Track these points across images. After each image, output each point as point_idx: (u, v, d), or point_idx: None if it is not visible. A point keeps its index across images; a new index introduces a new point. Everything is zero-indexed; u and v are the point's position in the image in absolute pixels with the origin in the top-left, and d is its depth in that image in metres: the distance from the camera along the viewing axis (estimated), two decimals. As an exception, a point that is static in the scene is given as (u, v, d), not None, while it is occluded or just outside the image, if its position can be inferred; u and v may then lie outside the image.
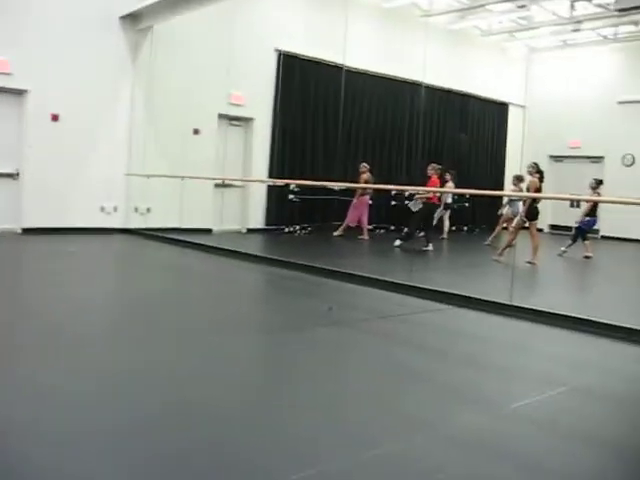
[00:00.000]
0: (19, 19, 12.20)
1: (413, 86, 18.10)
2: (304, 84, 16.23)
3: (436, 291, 8.20)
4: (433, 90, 18.73)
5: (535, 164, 12.36)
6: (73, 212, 13.02)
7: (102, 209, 13.50)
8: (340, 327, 6.48)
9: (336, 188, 14.82)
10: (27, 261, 10.37)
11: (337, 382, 4.81)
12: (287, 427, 3.81)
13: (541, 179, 12.16)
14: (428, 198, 13.85)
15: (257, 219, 15.84)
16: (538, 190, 12.06)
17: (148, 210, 13.82)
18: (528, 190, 12.43)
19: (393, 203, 16.56)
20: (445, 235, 16.88)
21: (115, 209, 13.65)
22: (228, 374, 4.88)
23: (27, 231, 12.54)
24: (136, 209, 13.80)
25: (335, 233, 15.56)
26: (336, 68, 16.09)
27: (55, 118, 12.83)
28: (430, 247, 13.68)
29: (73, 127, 12.92)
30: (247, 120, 15.66)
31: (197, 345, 5.52)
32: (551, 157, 21.06)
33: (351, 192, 15.56)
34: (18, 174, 12.65)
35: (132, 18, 13.54)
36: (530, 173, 12.28)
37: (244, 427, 3.79)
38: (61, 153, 12.81)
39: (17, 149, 12.59)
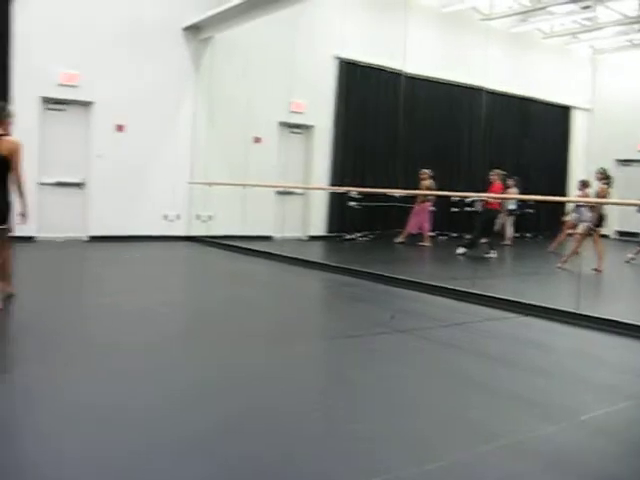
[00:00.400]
0: (87, 34, 12.52)
1: (473, 91, 17.93)
2: (364, 91, 16.22)
3: (500, 299, 8.06)
4: (494, 95, 18.49)
5: (604, 169, 12.03)
6: (137, 220, 13.28)
7: (165, 217, 13.72)
8: (403, 335, 6.43)
9: (397, 195, 14.75)
10: (93, 268, 10.59)
11: (401, 390, 4.76)
12: (352, 435, 3.78)
13: (609, 185, 11.83)
14: (489, 204, 13.66)
15: (318, 226, 15.87)
16: (606, 197, 11.75)
17: (210, 218, 13.99)
18: (597, 197, 12.05)
19: (454, 210, 16.39)
20: (508, 242, 16.63)
21: (178, 217, 13.87)
22: (293, 381, 4.89)
23: (93, 239, 12.84)
24: (198, 217, 13.98)
25: (396, 240, 15.48)
26: (395, 74, 16.05)
27: (120, 129, 13.11)
28: (493, 254, 13.50)
29: (137, 137, 13.20)
30: (307, 127, 15.72)
31: (261, 352, 5.55)
32: (618, 161, 20.55)
33: (412, 199, 15.46)
34: (85, 183, 12.97)
35: (194, 29, 13.76)
36: (598, 179, 11.96)
37: (311, 434, 3.79)
38: (126, 163, 13.10)
39: (84, 159, 12.91)
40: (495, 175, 13.71)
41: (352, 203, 15.23)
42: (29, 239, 11.58)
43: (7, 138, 6.45)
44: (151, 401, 4.21)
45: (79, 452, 3.40)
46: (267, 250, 12.15)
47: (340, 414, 4.14)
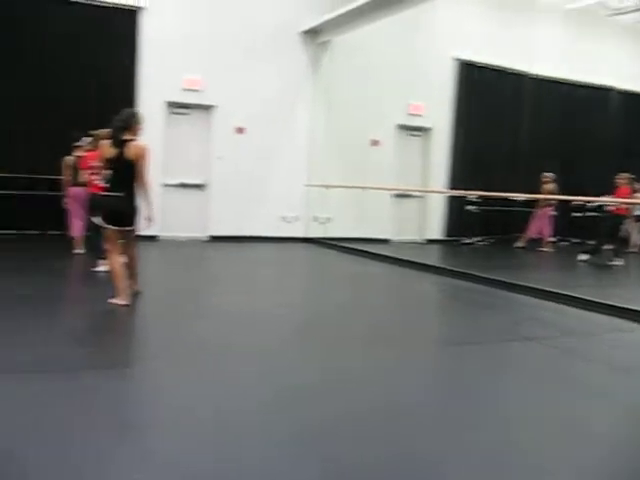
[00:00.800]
0: (209, 40, 12.87)
1: (602, 91, 17.21)
2: (483, 92, 15.86)
3: (628, 309, 7.65)
4: (626, 95, 17.66)
5: None
6: (256, 221, 13.50)
7: (283, 218, 13.89)
8: (524, 342, 6.20)
9: (518, 199, 14.33)
10: (213, 267, 10.84)
11: (522, 400, 4.58)
12: (470, 447, 3.65)
13: None
14: (615, 209, 13.04)
15: (435, 230, 15.66)
16: None
17: (328, 220, 14.03)
18: None
19: (576, 215, 15.74)
20: (635, 249, 15.84)
21: (296, 218, 14.00)
22: (412, 386, 4.79)
23: (213, 239, 13.16)
24: (316, 218, 14.06)
25: (516, 245, 15.06)
26: (517, 75, 15.63)
27: (240, 131, 13.38)
28: (619, 262, 12.87)
29: (256, 139, 13.43)
30: (425, 130, 15.53)
31: (379, 356, 5.46)
32: None
33: (533, 203, 14.99)
34: (206, 185, 13.31)
35: (313, 33, 13.86)
36: None
37: (428, 442, 3.69)
38: (245, 164, 13.35)
39: (205, 161, 13.26)
40: (622, 179, 13.07)
41: (470, 207, 14.93)
42: (152, 238, 11.95)
43: (135, 143, 6.65)
44: (259, 402, 4.21)
45: (173, 452, 3.43)
46: (384, 253, 12.07)
47: (456, 425, 4.01)
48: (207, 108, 13.25)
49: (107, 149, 6.69)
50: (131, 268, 7.06)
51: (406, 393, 4.61)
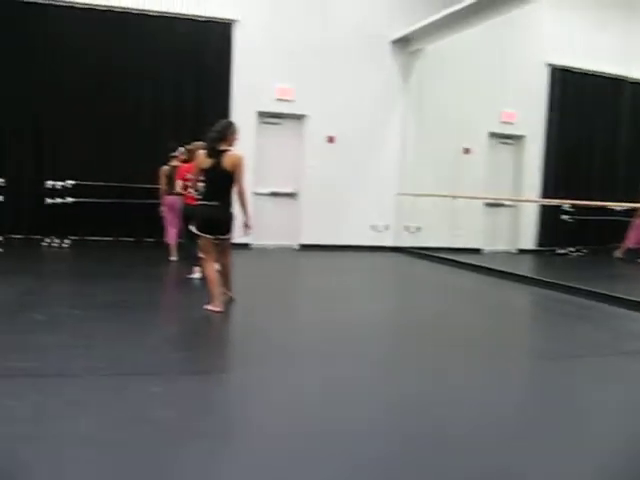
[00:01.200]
0: (300, 50, 13.04)
1: None
2: (578, 98, 15.44)
3: None
4: None
5: None
6: (346, 230, 13.54)
7: (374, 227, 13.88)
8: (623, 357, 5.99)
9: (617, 208, 13.86)
10: (305, 275, 10.96)
11: (626, 420, 4.42)
12: (571, 470, 3.55)
13: None
14: None
15: (528, 239, 15.32)
16: None
17: (418, 229, 13.93)
18: None
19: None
20: None
21: (386, 227, 13.97)
22: (506, 401, 4.70)
23: (304, 247, 13.28)
24: (406, 228, 13.98)
25: (614, 255, 14.59)
26: (614, 80, 15.14)
27: (331, 140, 13.47)
28: None
29: (347, 148, 13.49)
30: (518, 138, 15.25)
31: (473, 368, 5.38)
32: None
33: (633, 212, 14.47)
34: (297, 193, 13.45)
35: (403, 42, 13.82)
36: None
37: (523, 457, 3.61)
38: (336, 173, 13.42)
39: (297, 170, 13.41)
40: None
41: (565, 216, 14.55)
42: (244, 246, 12.14)
43: (231, 153, 6.78)
44: (360, 411, 4.21)
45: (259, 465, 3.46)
46: (475, 263, 11.89)
47: (555, 445, 3.90)
48: (298, 117, 13.41)
49: (203, 159, 6.84)
50: (225, 276, 7.19)
51: (501, 407, 4.51)
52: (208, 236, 6.89)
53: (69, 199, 11.86)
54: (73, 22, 11.91)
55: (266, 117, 13.28)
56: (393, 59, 13.98)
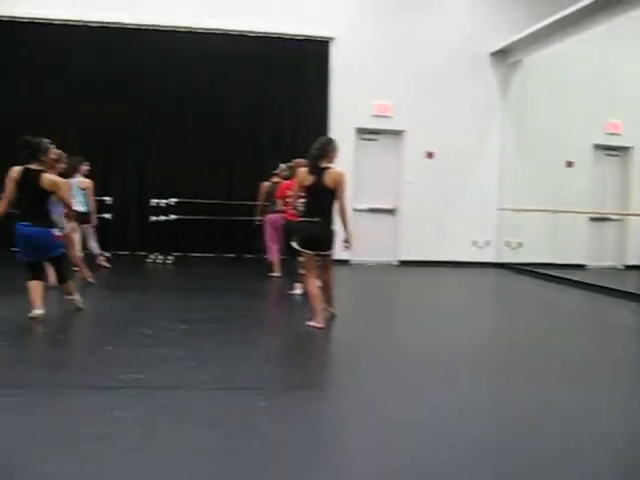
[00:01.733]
0: (398, 65, 13.05)
1: None
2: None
3: None
4: None
5: None
6: (446, 246, 13.35)
7: (474, 243, 13.63)
8: None
9: None
10: (405, 291, 10.89)
11: None
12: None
13: None
14: None
15: (636, 255, 14.69)
16: None
17: (519, 244, 13.59)
18: None
19: None
20: None
21: (487, 243, 13.69)
22: (615, 428, 4.48)
23: (403, 263, 13.17)
24: (508, 243, 13.66)
25: None
26: None
27: (430, 155, 13.35)
28: None
29: (446, 163, 13.33)
30: (624, 149, 14.70)
31: (579, 390, 5.15)
32: None
33: None
34: (396, 209, 13.39)
35: (502, 54, 13.59)
36: None
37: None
38: (435, 189, 13.28)
39: (395, 186, 13.36)
40: None
41: (677, 230, 13.91)
42: (344, 262, 12.13)
43: (332, 170, 6.79)
44: (458, 439, 4.10)
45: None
46: (580, 279, 11.49)
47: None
48: (397, 133, 13.37)
49: (305, 176, 6.87)
50: (327, 292, 7.18)
51: (611, 434, 4.30)
52: (309, 252, 6.91)
53: (172, 216, 12.18)
54: (186, 43, 12.49)
55: (364, 133, 13.30)
56: (491, 72, 13.75)
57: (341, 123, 12.69)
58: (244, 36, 12.62)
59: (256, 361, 5.52)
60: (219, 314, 7.42)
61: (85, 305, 7.28)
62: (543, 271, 12.45)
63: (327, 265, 7.11)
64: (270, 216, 10.62)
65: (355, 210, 12.90)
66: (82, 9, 12.08)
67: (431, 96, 13.19)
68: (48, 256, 6.86)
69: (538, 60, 13.38)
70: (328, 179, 6.72)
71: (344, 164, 12.48)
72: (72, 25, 12.24)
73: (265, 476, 3.34)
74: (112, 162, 12.48)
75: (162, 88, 12.57)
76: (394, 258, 13.38)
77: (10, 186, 6.56)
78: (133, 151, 12.56)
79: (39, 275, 6.79)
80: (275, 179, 10.60)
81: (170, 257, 12.25)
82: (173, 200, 12.22)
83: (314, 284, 6.94)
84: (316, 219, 6.79)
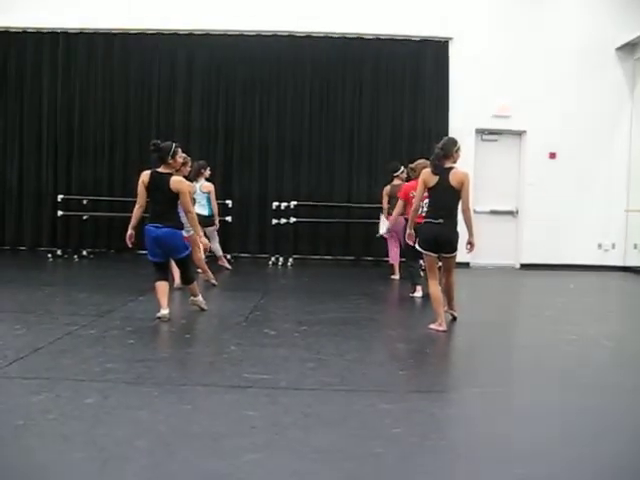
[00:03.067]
0: (517, 64, 12.76)
1: None
2: None
3: None
4: None
5: None
6: (568, 249, 12.87)
7: (599, 246, 13.08)
8: None
9: None
10: (528, 295, 10.71)
11: None
12: None
13: None
14: None
15: None
16: None
17: (648, 247, 12.95)
18: None
19: None
20: None
21: (613, 246, 13.10)
22: None
23: (524, 266, 12.84)
24: (635, 246, 13.04)
25: None
26: None
27: (552, 156, 12.96)
28: None
29: (569, 164, 12.89)
30: None
31: None
32: None
33: None
34: (517, 211, 13.08)
35: (629, 47, 13.02)
36: None
37: None
38: (557, 190, 12.85)
39: (516, 187, 13.09)
40: None
41: None
42: (465, 265, 11.92)
43: (457, 170, 6.70)
44: (593, 448, 3.93)
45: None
46: None
47: None
48: (517, 133, 13.08)
49: (429, 177, 6.81)
50: (449, 294, 7.10)
51: None
52: (432, 254, 6.84)
53: (292, 219, 12.34)
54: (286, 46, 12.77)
55: (484, 134, 13.08)
56: (618, 67, 13.19)
57: (461, 123, 12.52)
58: (361, 39, 12.73)
59: (377, 363, 5.53)
60: (338, 316, 7.46)
61: (208, 306, 7.49)
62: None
63: (450, 267, 7.02)
64: (391, 218, 10.59)
65: (475, 212, 12.68)
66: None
67: (553, 94, 12.76)
68: (176, 257, 7.07)
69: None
70: (453, 179, 6.63)
71: (464, 165, 12.34)
72: (195, 34, 12.79)
73: (393, 478, 3.32)
74: (232, 167, 12.81)
75: (281, 92, 12.88)
76: (515, 261, 13.09)
77: (142, 191, 6.84)
78: (256, 157, 12.86)
79: (165, 276, 7.01)
80: (396, 181, 10.55)
81: (290, 259, 12.41)
82: (293, 203, 12.40)
83: (436, 287, 6.86)
84: (440, 220, 6.71)
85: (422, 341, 6.52)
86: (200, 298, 7.43)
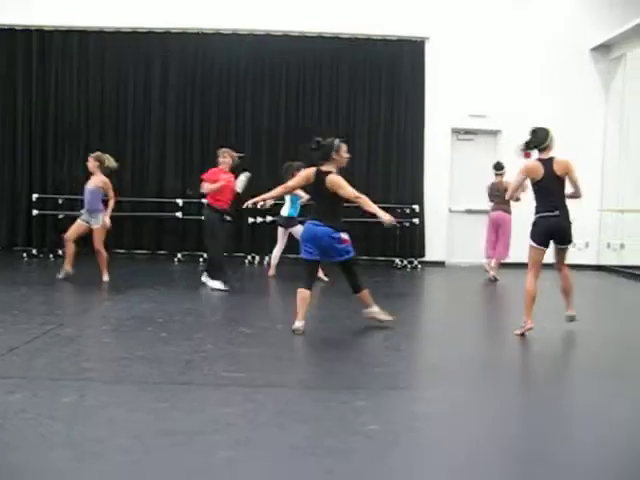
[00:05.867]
0: (492, 64, 12.87)
1: None
2: None
3: None
4: None
5: None
6: (544, 248, 12.93)
7: (573, 245, 13.15)
8: None
9: None
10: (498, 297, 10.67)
11: None
12: None
13: None
14: None
15: None
16: None
17: (621, 246, 13.10)
18: None
19: None
20: None
21: (586, 245, 13.24)
22: None
23: (502, 265, 12.90)
24: (609, 245, 13.20)
25: None
26: None
27: (527, 156, 12.86)
28: None
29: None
30: None
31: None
32: None
33: None
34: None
35: (604, 49, 13.15)
36: None
37: None
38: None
39: (492, 187, 13.15)
40: None
41: None
42: (441, 264, 11.95)
43: (559, 158, 6.82)
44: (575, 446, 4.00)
45: None
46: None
47: None
48: (493, 133, 13.17)
49: (535, 169, 6.85)
50: (568, 291, 7.13)
51: None
52: (544, 248, 6.85)
53: (269, 219, 12.33)
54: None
55: (460, 133, 13.18)
56: (592, 68, 13.31)
57: (437, 123, 12.73)
58: (338, 38, 12.78)
59: (352, 360, 5.57)
60: (335, 314, 7.45)
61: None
62: (647, 274, 11.97)
63: (564, 259, 7.03)
64: (492, 214, 10.78)
65: (451, 211, 12.80)
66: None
67: (528, 94, 12.80)
68: (334, 260, 6.62)
69: (641, 53, 12.89)
70: (558, 169, 6.69)
71: (439, 165, 12.64)
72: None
73: (372, 473, 3.37)
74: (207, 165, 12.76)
75: (257, 91, 12.93)
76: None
77: (297, 181, 6.79)
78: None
79: (310, 283, 6.55)
80: (498, 179, 10.92)
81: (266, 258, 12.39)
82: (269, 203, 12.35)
83: (534, 282, 6.82)
84: (556, 212, 6.72)
85: (397, 338, 6.54)
86: (375, 309, 6.87)
